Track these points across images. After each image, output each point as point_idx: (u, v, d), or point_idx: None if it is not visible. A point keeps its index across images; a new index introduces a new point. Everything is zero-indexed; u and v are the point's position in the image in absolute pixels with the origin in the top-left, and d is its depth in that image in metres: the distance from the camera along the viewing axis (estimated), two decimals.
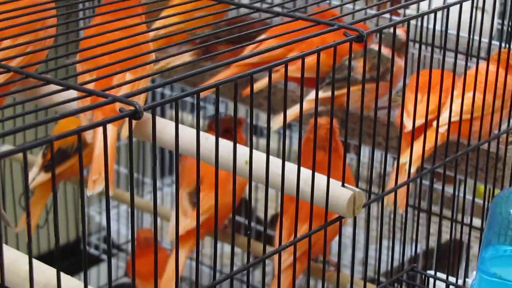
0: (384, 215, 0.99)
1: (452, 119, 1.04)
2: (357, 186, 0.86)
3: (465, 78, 1.07)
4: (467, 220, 1.15)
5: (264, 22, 1.36)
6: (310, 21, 0.86)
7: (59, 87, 0.71)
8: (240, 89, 1.29)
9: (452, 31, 1.07)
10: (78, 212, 1.89)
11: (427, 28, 1.07)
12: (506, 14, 1.31)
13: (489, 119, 1.11)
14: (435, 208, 1.51)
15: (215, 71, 1.30)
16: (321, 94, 1.29)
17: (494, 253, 0.93)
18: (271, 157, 0.81)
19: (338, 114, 1.29)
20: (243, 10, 0.98)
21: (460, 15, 0.98)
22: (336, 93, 1.15)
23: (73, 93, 0.85)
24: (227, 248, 1.88)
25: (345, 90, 0.87)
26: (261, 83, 1.32)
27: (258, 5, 0.95)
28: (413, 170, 1.07)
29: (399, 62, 1.26)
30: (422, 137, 1.04)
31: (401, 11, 1.46)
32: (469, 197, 1.40)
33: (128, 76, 0.86)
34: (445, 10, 0.97)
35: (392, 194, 1.00)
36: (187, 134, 0.83)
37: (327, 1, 1.47)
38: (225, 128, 1.42)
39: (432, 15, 0.95)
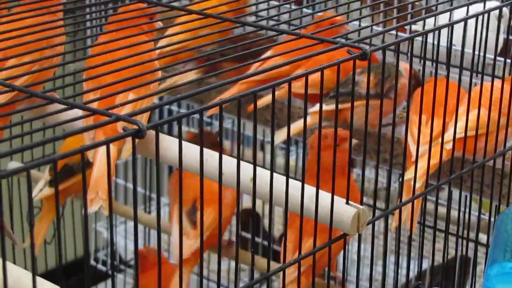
0: (391, 231, 0.99)
1: (458, 136, 1.04)
2: (361, 203, 0.86)
3: (470, 95, 1.07)
4: (473, 236, 1.14)
5: (269, 40, 1.36)
6: (314, 39, 0.87)
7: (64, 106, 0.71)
8: (246, 106, 1.30)
9: (457, 47, 1.07)
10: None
11: (433, 44, 1.07)
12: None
13: (494, 135, 1.11)
14: (441, 224, 1.50)
15: (221, 88, 1.31)
16: (325, 107, 1.29)
17: (500, 270, 0.93)
18: (275, 174, 0.81)
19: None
20: (248, 28, 0.99)
21: (465, 31, 0.98)
22: (340, 106, 1.15)
23: (79, 112, 0.85)
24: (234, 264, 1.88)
25: (349, 104, 0.88)
26: (267, 99, 1.33)
27: (264, 22, 0.96)
28: (419, 185, 1.07)
29: (403, 79, 1.26)
30: (427, 154, 1.04)
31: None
32: (474, 213, 1.40)
33: (131, 95, 0.86)
34: (450, 27, 0.97)
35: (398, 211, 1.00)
36: (192, 151, 0.83)
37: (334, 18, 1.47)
38: (212, 142, 1.45)
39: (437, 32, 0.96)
